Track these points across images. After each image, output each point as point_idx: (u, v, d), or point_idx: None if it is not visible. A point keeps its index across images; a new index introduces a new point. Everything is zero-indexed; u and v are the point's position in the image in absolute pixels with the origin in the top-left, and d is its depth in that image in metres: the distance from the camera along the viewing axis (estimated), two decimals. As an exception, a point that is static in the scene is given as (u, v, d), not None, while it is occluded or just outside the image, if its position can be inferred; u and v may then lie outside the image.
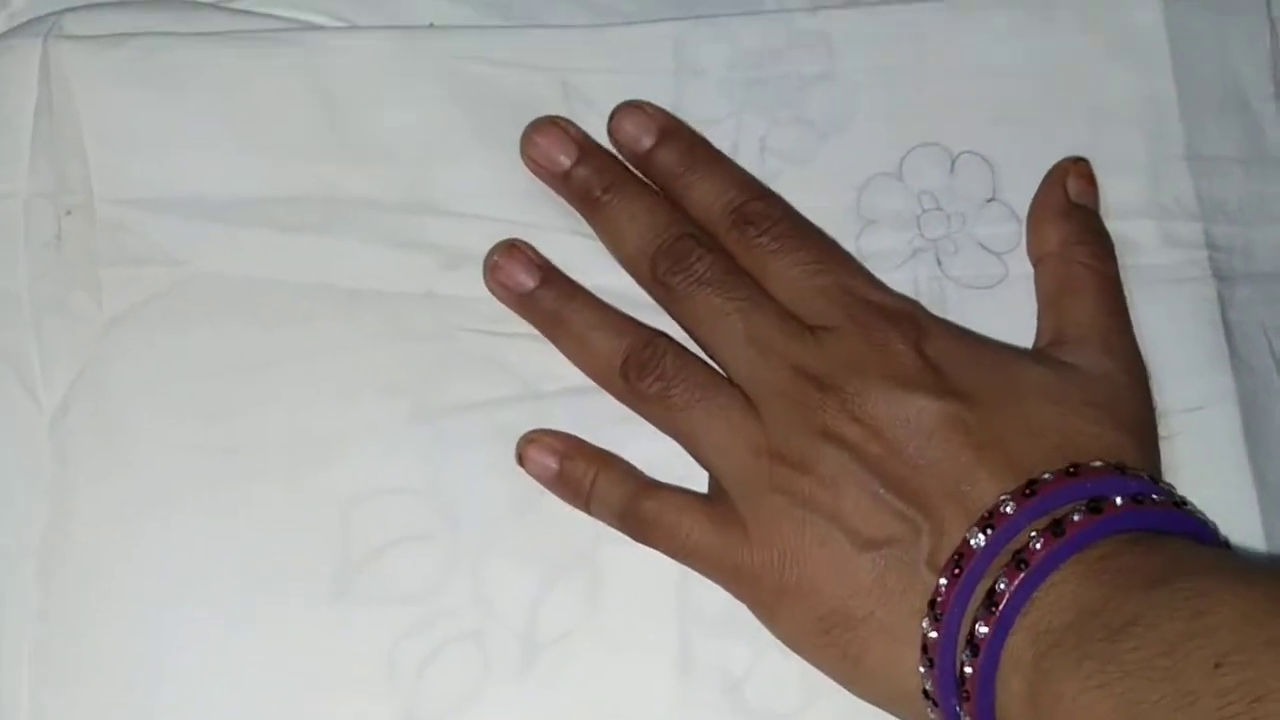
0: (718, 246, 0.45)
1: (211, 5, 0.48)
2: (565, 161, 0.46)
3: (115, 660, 0.43)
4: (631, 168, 0.46)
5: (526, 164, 0.47)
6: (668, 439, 0.45)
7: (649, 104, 0.47)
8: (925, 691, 0.39)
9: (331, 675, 0.44)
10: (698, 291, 0.44)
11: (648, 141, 0.46)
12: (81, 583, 0.44)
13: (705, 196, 0.45)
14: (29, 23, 0.48)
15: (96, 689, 0.43)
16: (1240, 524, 0.44)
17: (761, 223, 0.44)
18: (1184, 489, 0.42)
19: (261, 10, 0.48)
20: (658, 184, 0.46)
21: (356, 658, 0.44)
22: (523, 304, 0.46)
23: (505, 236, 0.46)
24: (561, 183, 0.46)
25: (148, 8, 0.48)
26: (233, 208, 0.46)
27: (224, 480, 0.45)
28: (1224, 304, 0.47)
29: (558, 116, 0.47)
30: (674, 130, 0.47)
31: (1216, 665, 0.33)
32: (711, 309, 0.44)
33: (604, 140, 0.47)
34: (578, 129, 0.47)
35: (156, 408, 0.45)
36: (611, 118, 0.47)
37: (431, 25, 0.48)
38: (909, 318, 0.43)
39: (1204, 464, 0.45)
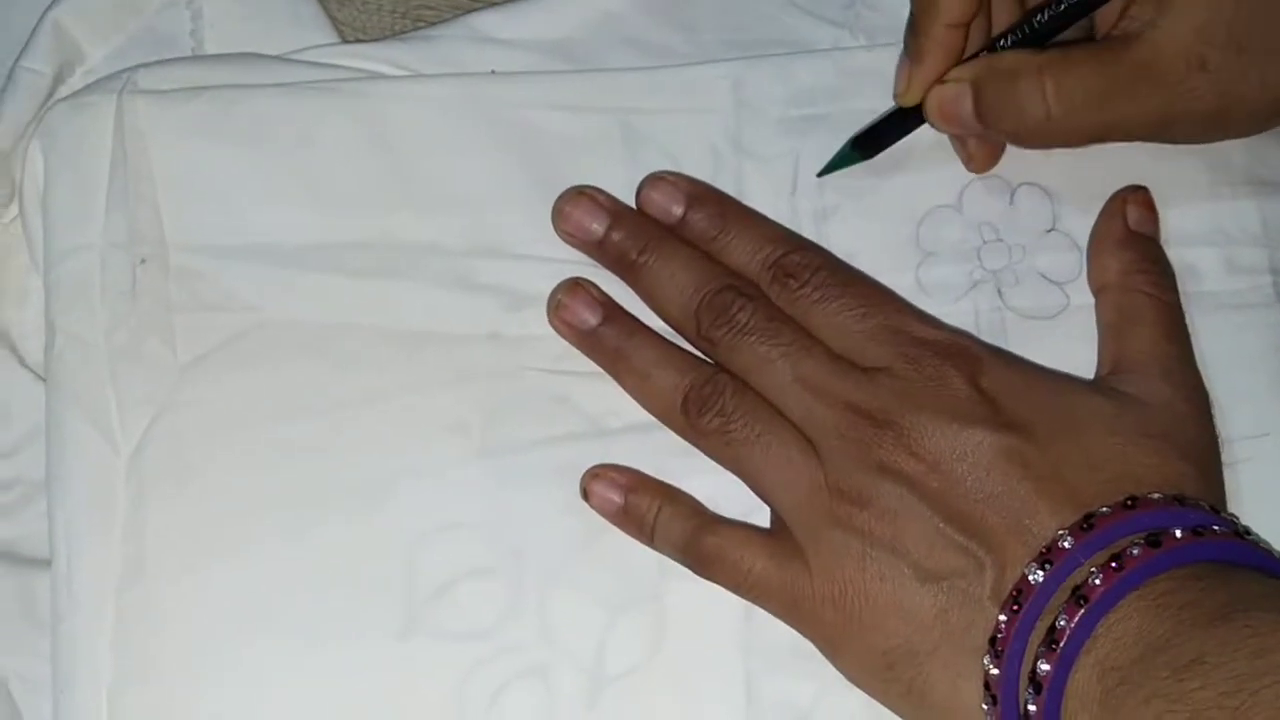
0: (759, 294, 0.45)
1: (279, 58, 0.49)
2: (598, 229, 0.47)
3: (189, 700, 0.44)
4: (664, 227, 0.47)
5: (560, 235, 0.47)
6: (730, 474, 0.45)
7: (672, 173, 0.48)
8: (989, 728, 0.40)
9: (400, 712, 0.44)
10: (743, 341, 0.44)
11: (678, 210, 0.47)
12: (156, 624, 0.45)
13: (742, 255, 0.46)
14: (104, 79, 0.49)
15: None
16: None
17: (801, 274, 0.45)
18: (1249, 516, 0.42)
19: (327, 61, 0.50)
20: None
21: (425, 694, 0.44)
22: (586, 341, 0.47)
23: (567, 276, 0.47)
24: (597, 250, 0.47)
25: (218, 62, 0.49)
26: (302, 254, 0.48)
27: (294, 521, 0.46)
28: (1289, 330, 0.47)
29: (585, 186, 0.48)
30: (702, 194, 0.47)
31: None
32: (758, 357, 0.44)
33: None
34: (607, 195, 0.47)
35: (229, 451, 0.46)
36: (639, 192, 0.47)
37: (493, 72, 0.49)
38: (963, 351, 0.43)
39: (1270, 490, 0.45)
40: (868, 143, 0.48)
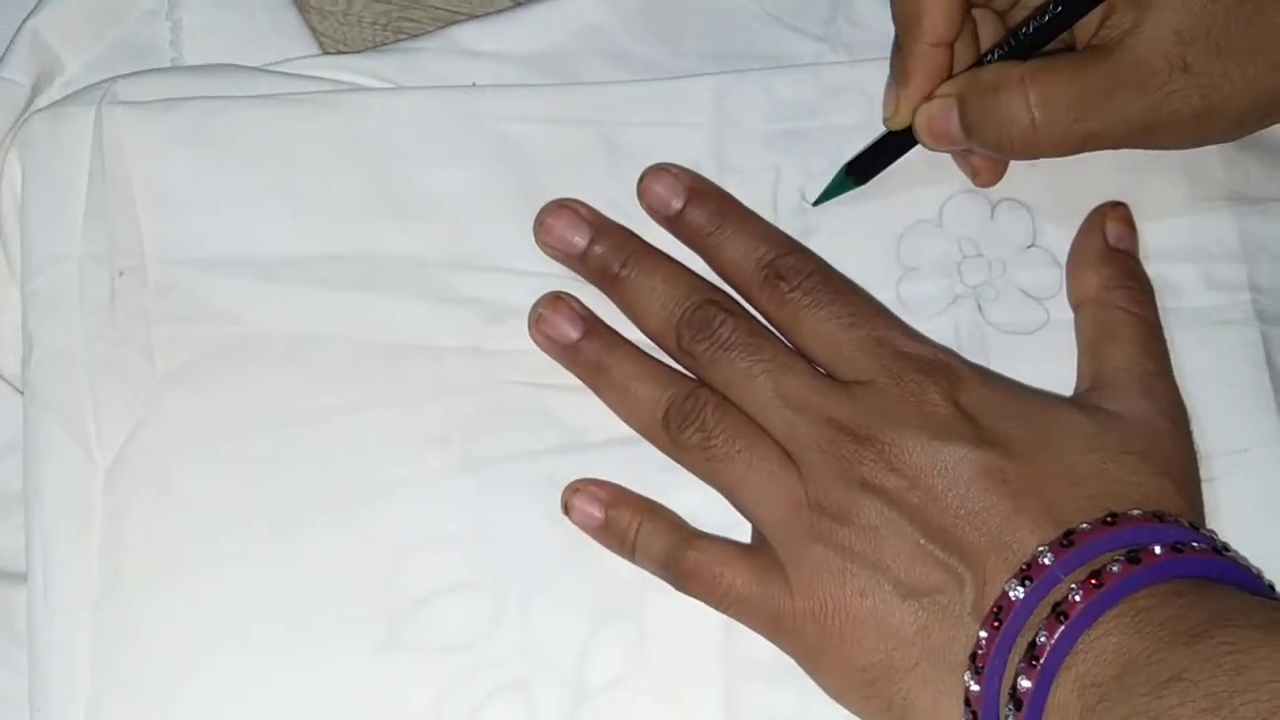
0: (740, 309, 0.45)
1: (259, 69, 0.49)
2: (580, 242, 0.47)
3: (168, 713, 0.44)
4: (645, 241, 0.47)
5: (542, 248, 0.47)
6: (712, 489, 0.45)
7: (676, 166, 0.48)
8: (969, 744, 0.40)
9: (381, 726, 0.44)
10: (724, 356, 0.44)
11: (677, 203, 0.47)
12: (134, 636, 0.45)
13: (736, 253, 0.46)
14: (83, 89, 0.49)
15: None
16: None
17: (794, 277, 0.45)
18: (1229, 531, 0.42)
19: (308, 73, 0.49)
20: (689, 244, 0.47)
21: (405, 708, 0.44)
22: (567, 355, 0.47)
23: (548, 290, 0.47)
24: (579, 262, 0.47)
25: (197, 73, 0.49)
26: (281, 266, 0.47)
27: (273, 533, 0.45)
28: (1268, 346, 0.47)
29: (567, 199, 0.48)
30: (703, 190, 0.47)
31: None
32: (739, 372, 0.44)
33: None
34: (589, 208, 0.47)
35: (208, 463, 0.46)
36: (640, 181, 0.48)
37: (474, 85, 0.49)
38: (944, 368, 0.43)
39: (1249, 506, 0.45)
40: (861, 169, 0.48)
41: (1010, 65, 0.45)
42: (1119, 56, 0.43)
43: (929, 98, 0.46)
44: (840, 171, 0.48)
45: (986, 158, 0.47)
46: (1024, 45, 0.45)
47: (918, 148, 0.47)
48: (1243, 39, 0.43)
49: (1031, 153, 0.45)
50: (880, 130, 0.48)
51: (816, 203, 0.48)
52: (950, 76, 0.46)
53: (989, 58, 0.46)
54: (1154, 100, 0.43)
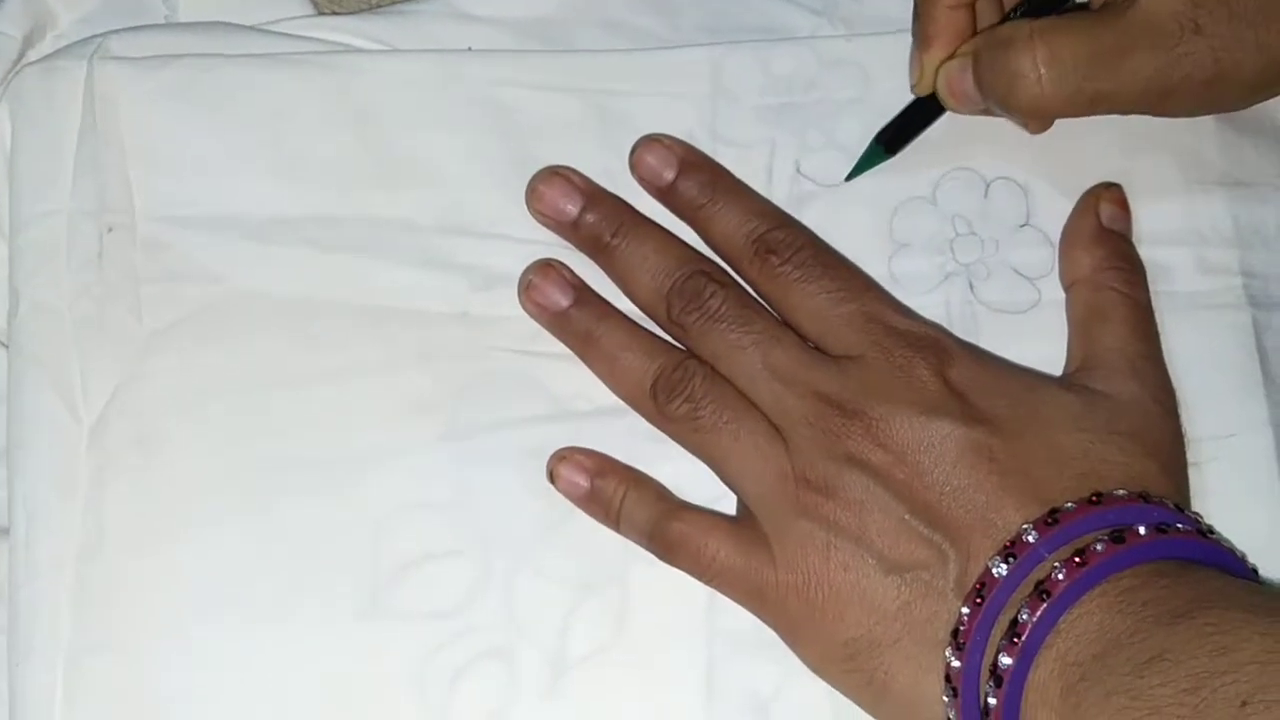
0: (730, 281, 0.45)
1: (253, 28, 0.49)
2: (572, 210, 0.47)
3: (148, 673, 0.44)
4: (638, 210, 0.47)
5: (533, 215, 0.47)
6: (699, 460, 0.45)
7: (668, 137, 0.47)
8: (949, 720, 0.40)
9: (361, 691, 0.44)
10: (714, 328, 0.44)
11: (669, 174, 0.47)
12: (116, 595, 0.44)
13: (728, 226, 0.46)
14: (75, 44, 0.48)
15: (129, 702, 0.44)
16: (1271, 552, 0.43)
17: (784, 251, 0.45)
18: (1215, 516, 0.42)
19: (302, 33, 0.49)
20: (680, 215, 0.47)
21: (386, 674, 0.44)
22: (556, 323, 0.46)
23: (539, 257, 0.47)
24: (570, 230, 0.47)
25: (191, 30, 0.49)
26: (271, 227, 0.47)
27: (258, 496, 0.45)
28: (1259, 330, 0.47)
29: (560, 166, 0.47)
30: (695, 162, 0.47)
31: (1243, 704, 0.33)
32: (728, 344, 0.44)
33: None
34: (582, 176, 0.47)
35: (193, 423, 0.46)
36: (633, 152, 0.47)
37: (469, 49, 0.49)
38: (934, 344, 0.43)
39: (1236, 491, 0.45)
40: (892, 138, 0.47)
41: (1023, 22, 0.44)
42: (1131, 16, 0.43)
43: (950, 59, 0.46)
44: (872, 142, 0.48)
45: None
46: (1043, 3, 0.45)
47: (948, 115, 0.47)
48: (1254, 2, 0.43)
49: (1040, 111, 0.45)
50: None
51: (849, 177, 0.48)
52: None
53: (1011, 17, 0.46)
54: (1166, 62, 0.43)
